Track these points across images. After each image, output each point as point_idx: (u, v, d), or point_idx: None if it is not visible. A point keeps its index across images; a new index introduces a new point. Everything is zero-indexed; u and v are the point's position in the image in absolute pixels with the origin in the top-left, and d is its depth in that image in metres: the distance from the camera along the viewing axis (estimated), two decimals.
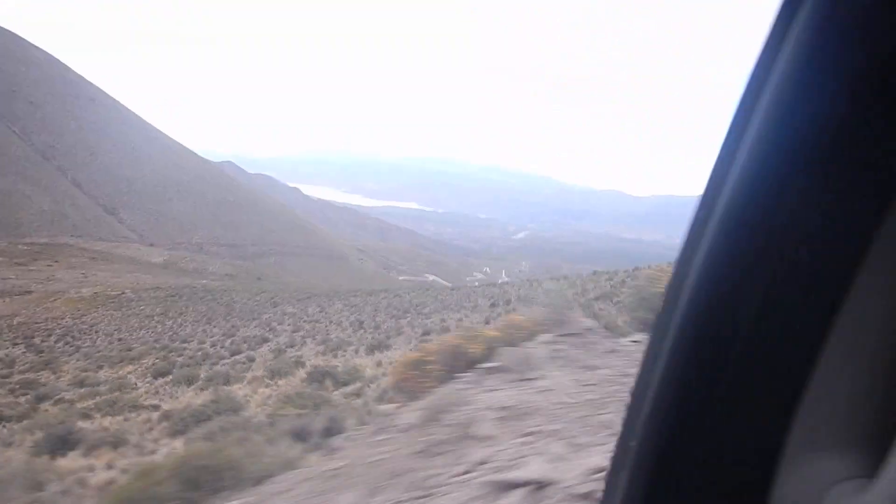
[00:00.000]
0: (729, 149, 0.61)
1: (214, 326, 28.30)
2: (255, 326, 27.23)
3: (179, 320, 30.23)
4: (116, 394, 15.96)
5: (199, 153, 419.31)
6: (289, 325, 27.83)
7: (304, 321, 29.14)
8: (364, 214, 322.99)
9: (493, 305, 23.03)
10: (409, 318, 22.84)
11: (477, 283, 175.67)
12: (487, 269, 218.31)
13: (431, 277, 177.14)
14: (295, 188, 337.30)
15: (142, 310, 31.96)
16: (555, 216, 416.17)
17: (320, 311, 31.56)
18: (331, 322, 28.30)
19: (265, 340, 23.49)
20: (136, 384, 18.01)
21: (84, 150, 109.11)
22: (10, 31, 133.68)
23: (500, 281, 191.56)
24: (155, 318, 30.41)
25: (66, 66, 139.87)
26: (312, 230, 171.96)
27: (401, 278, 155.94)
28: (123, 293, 34.54)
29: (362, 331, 23.77)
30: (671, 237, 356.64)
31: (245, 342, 22.71)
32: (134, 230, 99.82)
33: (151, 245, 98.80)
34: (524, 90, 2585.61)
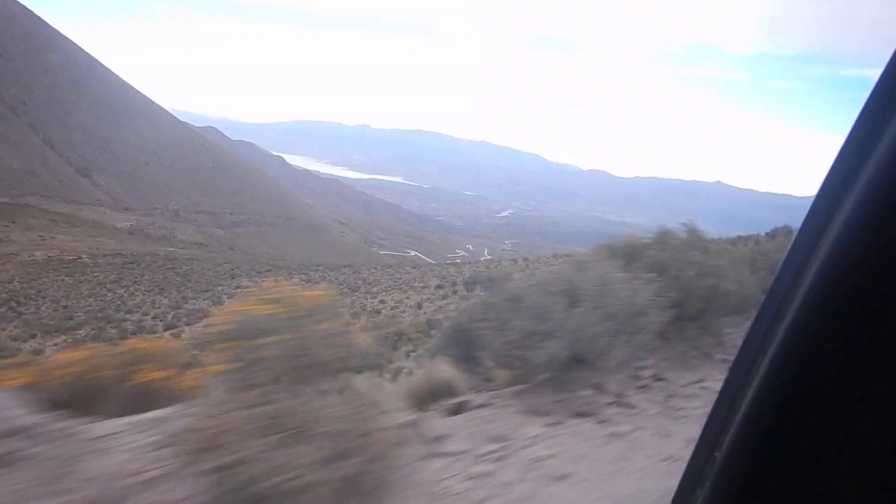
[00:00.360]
0: (860, 144, 0.56)
1: (165, 297, 27.71)
2: (205, 299, 26.75)
3: (132, 289, 29.56)
4: None
5: (186, 117, 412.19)
6: (237, 298, 27.11)
7: None
8: (349, 186, 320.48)
9: (439, 287, 22.72)
10: (350, 298, 22.27)
11: (458, 261, 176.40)
12: (470, 247, 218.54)
13: (413, 253, 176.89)
14: (278, 157, 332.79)
15: (95, 276, 31.08)
16: (540, 195, 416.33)
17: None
18: None
19: (207, 315, 22.88)
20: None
21: (59, 107, 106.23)
22: None
23: (481, 258, 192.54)
24: (107, 285, 29.62)
25: (42, 20, 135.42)
26: (294, 201, 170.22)
27: (381, 253, 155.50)
28: (80, 258, 33.52)
29: None
30: (653, 219, 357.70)
31: (188, 316, 22.33)
32: (108, 193, 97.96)
33: (126, 209, 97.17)
34: (519, 68, 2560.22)
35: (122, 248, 38.99)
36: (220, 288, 30.35)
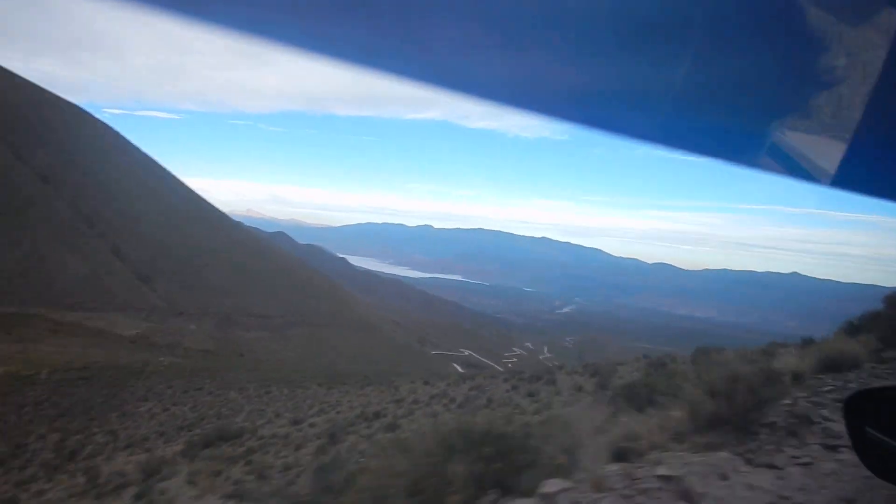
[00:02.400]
0: None
1: (72, 422, 25.45)
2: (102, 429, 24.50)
3: (51, 411, 27.24)
4: None
5: (259, 223, 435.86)
6: (126, 426, 23.93)
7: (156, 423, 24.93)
8: (409, 286, 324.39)
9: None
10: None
11: (514, 359, 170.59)
12: (529, 345, 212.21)
13: (467, 352, 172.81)
14: (342, 258, 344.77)
15: (32, 396, 29.05)
16: (603, 290, 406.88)
17: (231, 400, 28.47)
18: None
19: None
20: None
21: (128, 217, 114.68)
22: (69, 102, 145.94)
23: (540, 357, 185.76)
24: (26, 408, 27.24)
25: (121, 134, 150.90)
26: (348, 301, 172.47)
27: (433, 353, 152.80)
28: (38, 373, 32.12)
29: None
30: (724, 313, 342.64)
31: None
32: (165, 299, 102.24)
33: (180, 314, 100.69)
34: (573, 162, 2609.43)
35: (108, 359, 37.79)
36: (142, 408, 28.91)
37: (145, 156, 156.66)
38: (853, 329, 8.35)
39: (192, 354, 56.43)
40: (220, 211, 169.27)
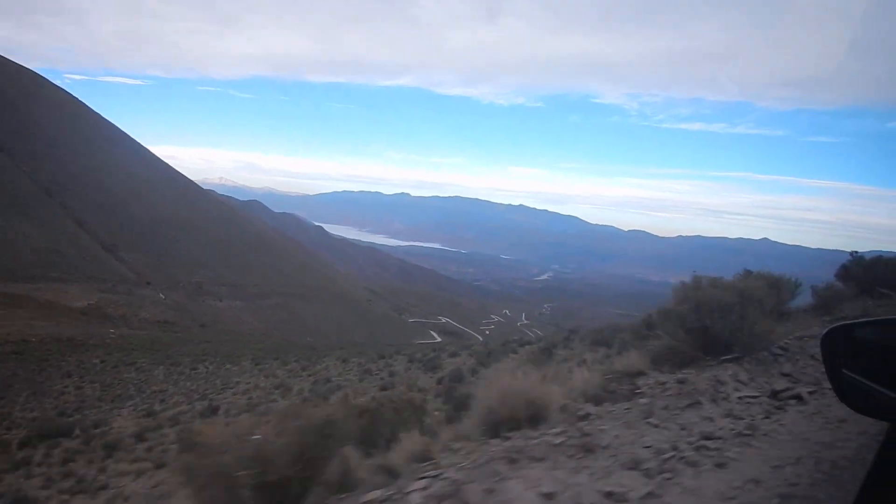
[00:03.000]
0: None
1: None
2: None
3: None
4: None
5: (232, 191, 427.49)
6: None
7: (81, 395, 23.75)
8: (387, 254, 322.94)
9: (391, 375, 18.80)
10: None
11: (492, 326, 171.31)
12: (507, 311, 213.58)
13: (444, 320, 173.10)
14: (319, 227, 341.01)
15: None
16: (579, 257, 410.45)
17: (153, 378, 27.49)
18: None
19: None
20: None
21: (92, 187, 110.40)
22: (32, 71, 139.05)
23: (518, 324, 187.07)
24: None
25: (87, 105, 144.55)
26: (326, 271, 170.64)
27: (410, 321, 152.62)
28: None
29: None
30: None
31: None
32: (133, 269, 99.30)
33: (148, 284, 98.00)
34: (553, 130, 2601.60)
35: (46, 333, 35.84)
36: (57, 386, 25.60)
37: (109, 124, 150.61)
38: None
39: (147, 326, 54.50)
40: (189, 180, 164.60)
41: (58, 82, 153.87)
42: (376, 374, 19.97)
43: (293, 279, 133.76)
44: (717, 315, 5.73)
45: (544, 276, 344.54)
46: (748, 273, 8.58)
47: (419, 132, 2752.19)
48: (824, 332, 1.65)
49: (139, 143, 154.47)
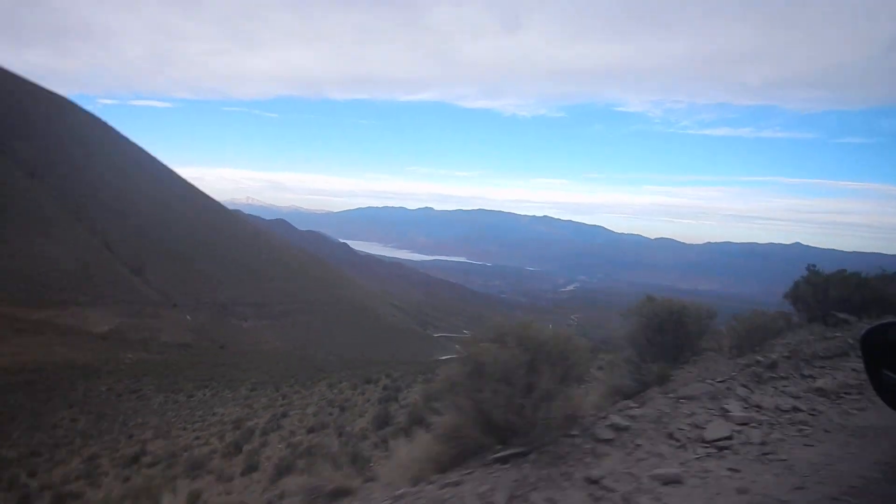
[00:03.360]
0: None
1: None
2: None
3: None
4: None
5: (258, 210, 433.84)
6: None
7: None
8: (412, 269, 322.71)
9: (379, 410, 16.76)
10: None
11: None
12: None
13: (469, 333, 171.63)
14: (344, 244, 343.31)
15: None
16: (606, 267, 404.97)
17: (148, 406, 27.25)
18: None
19: None
20: None
21: (118, 209, 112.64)
22: (55, 93, 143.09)
23: None
24: None
25: (110, 126, 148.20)
26: (350, 287, 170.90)
27: (436, 335, 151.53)
28: None
29: None
30: (727, 286, 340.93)
31: None
32: (159, 291, 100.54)
33: (174, 306, 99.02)
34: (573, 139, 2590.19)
35: (62, 360, 35.35)
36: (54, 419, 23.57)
37: (137, 147, 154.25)
38: None
39: (166, 349, 54.18)
40: (215, 201, 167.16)
41: (90, 107, 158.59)
42: (334, 408, 18.44)
43: (317, 297, 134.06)
44: (502, 384, 3.66)
45: (571, 287, 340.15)
46: (650, 299, 6.24)
47: (442, 146, 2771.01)
48: (862, 333, 1.62)
49: (165, 166, 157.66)
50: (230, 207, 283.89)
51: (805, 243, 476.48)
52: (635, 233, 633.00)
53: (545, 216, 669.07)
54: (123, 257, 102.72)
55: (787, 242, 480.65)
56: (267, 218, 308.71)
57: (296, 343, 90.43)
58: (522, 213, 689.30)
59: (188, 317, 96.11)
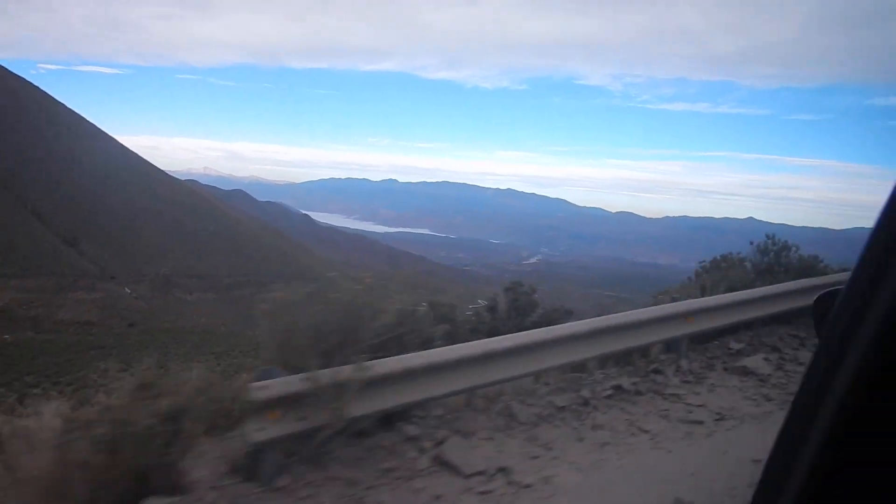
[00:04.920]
0: None
1: None
2: None
3: None
4: None
5: (216, 181, 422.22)
6: None
7: None
8: (374, 241, 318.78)
9: None
10: None
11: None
12: (495, 296, 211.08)
13: (425, 306, 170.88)
14: (305, 215, 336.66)
15: None
16: (568, 240, 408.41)
17: None
18: None
19: None
20: None
21: (51, 178, 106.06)
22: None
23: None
24: None
25: (44, 92, 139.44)
26: (307, 259, 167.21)
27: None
28: None
29: None
30: (684, 259, 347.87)
31: None
32: (95, 262, 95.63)
33: (112, 278, 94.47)
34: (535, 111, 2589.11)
35: None
36: None
37: (74, 114, 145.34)
38: None
39: (61, 328, 50.42)
40: (161, 170, 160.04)
41: (30, 72, 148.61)
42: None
43: (270, 269, 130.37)
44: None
45: (534, 260, 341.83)
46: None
47: (405, 117, 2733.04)
48: (816, 297, 1.60)
49: (106, 134, 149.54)
50: (186, 178, 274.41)
51: (758, 218, 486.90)
52: (597, 206, 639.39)
53: (509, 189, 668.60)
54: (55, 228, 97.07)
55: (742, 217, 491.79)
56: (225, 189, 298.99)
57: (241, 316, 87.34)
58: (487, 186, 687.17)
59: (127, 290, 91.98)
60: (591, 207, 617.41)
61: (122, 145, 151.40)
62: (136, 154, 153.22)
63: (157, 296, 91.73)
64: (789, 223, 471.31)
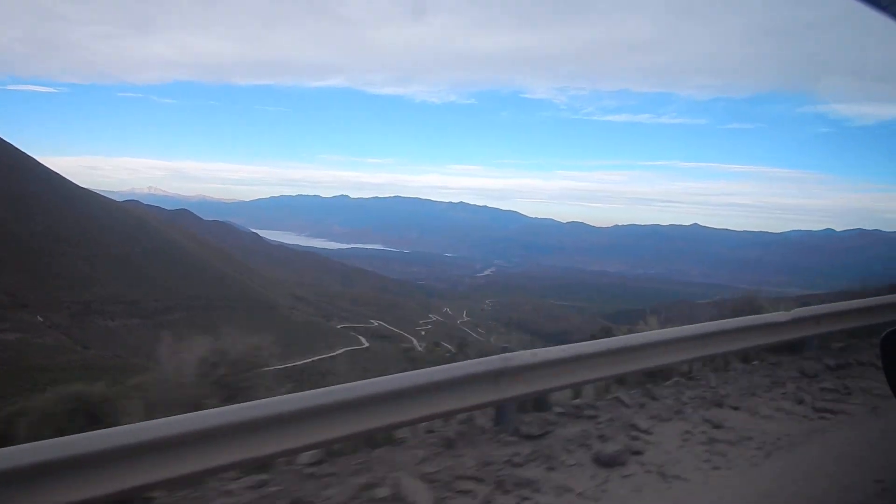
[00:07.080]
0: None
1: None
2: None
3: None
4: None
5: (159, 200, 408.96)
6: None
7: None
8: (327, 258, 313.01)
9: None
10: None
11: (429, 326, 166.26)
12: (447, 310, 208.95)
13: (376, 323, 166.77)
14: (254, 234, 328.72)
15: None
16: (521, 251, 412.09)
17: None
18: None
19: None
20: None
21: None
22: None
23: (458, 321, 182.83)
24: None
25: None
26: (250, 279, 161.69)
27: (339, 327, 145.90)
28: None
29: None
30: (634, 266, 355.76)
31: None
32: (7, 292, 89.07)
33: (24, 307, 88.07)
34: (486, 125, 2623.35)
35: None
36: None
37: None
38: None
39: None
40: (93, 192, 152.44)
41: None
42: None
43: (209, 291, 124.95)
44: None
45: (487, 272, 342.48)
46: None
47: (354, 133, 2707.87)
48: (883, 336, 1.58)
49: (23, 153, 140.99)
50: (130, 198, 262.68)
51: (703, 224, 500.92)
52: (548, 217, 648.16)
53: (461, 202, 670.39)
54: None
55: (687, 224, 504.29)
56: (170, 208, 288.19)
57: (152, 342, 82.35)
58: (439, 200, 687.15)
59: (39, 318, 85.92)
60: (542, 218, 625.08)
61: (43, 166, 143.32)
62: (58, 174, 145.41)
63: (73, 323, 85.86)
64: (731, 228, 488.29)
